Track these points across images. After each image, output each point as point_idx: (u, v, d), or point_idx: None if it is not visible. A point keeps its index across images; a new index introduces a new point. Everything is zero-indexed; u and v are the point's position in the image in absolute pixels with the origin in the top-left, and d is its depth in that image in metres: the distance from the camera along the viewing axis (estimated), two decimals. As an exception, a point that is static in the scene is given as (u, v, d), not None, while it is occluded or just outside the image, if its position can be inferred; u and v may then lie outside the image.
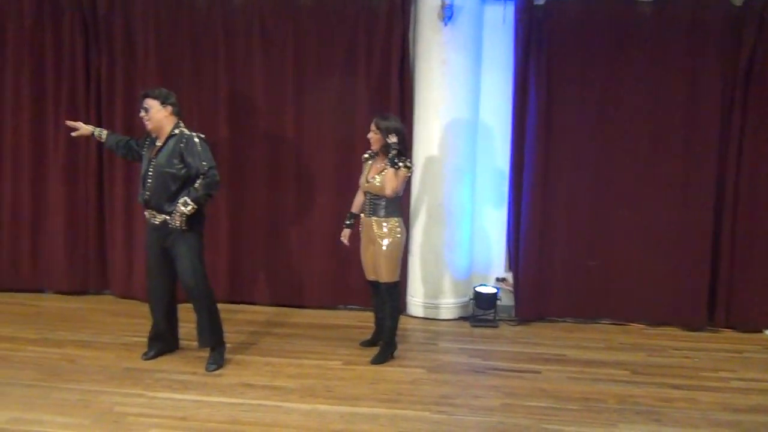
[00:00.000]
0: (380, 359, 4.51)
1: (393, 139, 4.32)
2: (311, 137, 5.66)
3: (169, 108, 4.22)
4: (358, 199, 4.70)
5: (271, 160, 5.70)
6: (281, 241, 5.77)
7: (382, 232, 4.41)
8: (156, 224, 4.23)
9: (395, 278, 4.49)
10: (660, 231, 5.44)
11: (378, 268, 4.48)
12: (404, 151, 4.40)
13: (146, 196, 4.22)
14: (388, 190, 4.31)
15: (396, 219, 4.45)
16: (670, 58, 5.30)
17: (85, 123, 4.73)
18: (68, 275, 5.93)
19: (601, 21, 5.33)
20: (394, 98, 5.48)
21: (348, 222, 4.75)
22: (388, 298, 4.51)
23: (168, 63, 5.66)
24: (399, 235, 4.44)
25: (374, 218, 4.45)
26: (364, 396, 3.94)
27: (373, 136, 4.43)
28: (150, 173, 4.21)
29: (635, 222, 5.47)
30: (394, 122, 4.41)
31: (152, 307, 4.46)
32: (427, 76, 5.44)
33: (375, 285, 4.64)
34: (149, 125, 4.24)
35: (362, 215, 4.58)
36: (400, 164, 4.31)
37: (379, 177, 4.40)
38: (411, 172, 4.45)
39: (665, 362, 4.71)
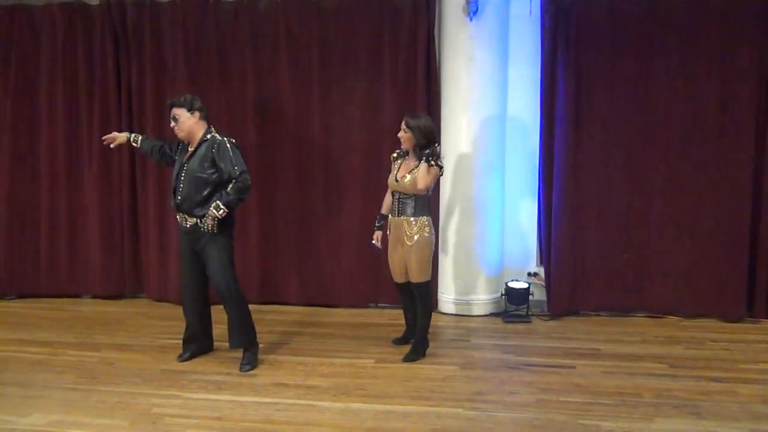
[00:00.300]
0: (412, 357, 4.50)
1: (438, 148, 4.35)
2: (338, 137, 5.68)
3: (197, 113, 4.28)
4: (387, 200, 4.66)
5: (299, 161, 5.74)
6: (311, 241, 5.80)
7: (412, 231, 4.38)
8: (187, 228, 4.29)
9: (426, 278, 4.46)
10: (696, 221, 5.33)
11: (408, 268, 4.46)
12: (438, 151, 4.38)
13: (178, 201, 4.28)
14: (421, 184, 4.26)
15: (425, 218, 4.42)
16: (702, 45, 5.18)
17: (117, 131, 4.81)
18: (104, 280, 6.06)
19: (631, 9, 5.24)
20: (421, 96, 5.47)
21: (378, 224, 4.72)
22: (420, 299, 4.49)
23: (196, 69, 5.75)
24: (428, 234, 4.40)
25: (403, 218, 4.41)
26: (397, 394, 3.94)
27: (404, 134, 4.38)
28: (182, 178, 4.27)
29: (670, 212, 5.37)
30: (425, 120, 4.37)
31: (186, 310, 4.53)
32: (454, 72, 5.41)
33: (402, 287, 4.62)
34: (181, 134, 4.31)
35: (390, 216, 4.56)
36: (433, 161, 4.27)
37: (409, 176, 4.36)
38: (442, 173, 4.42)
39: (703, 355, 4.62)
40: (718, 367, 4.35)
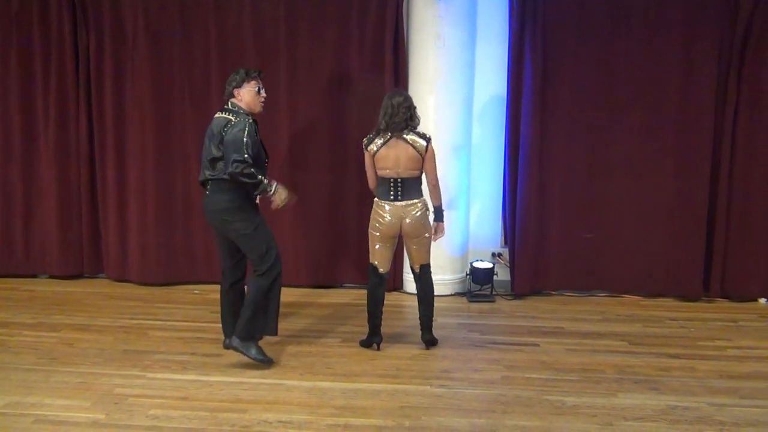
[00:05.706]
0: (433, 341, 4.37)
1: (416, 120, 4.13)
2: (304, 114, 5.60)
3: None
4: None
5: (263, 137, 5.62)
6: (273, 219, 5.71)
7: (420, 213, 4.15)
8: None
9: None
10: (655, 202, 5.44)
11: (417, 252, 4.23)
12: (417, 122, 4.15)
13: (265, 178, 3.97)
14: (436, 176, 4.17)
15: (424, 197, 4.24)
16: (666, 28, 5.26)
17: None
18: (62, 259, 5.90)
19: (597, -8, 5.28)
20: (388, 74, 5.42)
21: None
22: (428, 281, 4.28)
23: (157, 40, 5.58)
24: (428, 213, 4.25)
25: (414, 201, 4.14)
26: (364, 372, 3.94)
27: None
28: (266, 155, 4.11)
29: (631, 194, 5.47)
30: (398, 98, 4.10)
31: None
32: (422, 50, 5.38)
33: (383, 279, 4.25)
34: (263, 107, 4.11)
35: (385, 202, 4.15)
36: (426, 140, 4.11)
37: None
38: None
39: (662, 332, 4.74)
40: (676, 345, 4.47)
